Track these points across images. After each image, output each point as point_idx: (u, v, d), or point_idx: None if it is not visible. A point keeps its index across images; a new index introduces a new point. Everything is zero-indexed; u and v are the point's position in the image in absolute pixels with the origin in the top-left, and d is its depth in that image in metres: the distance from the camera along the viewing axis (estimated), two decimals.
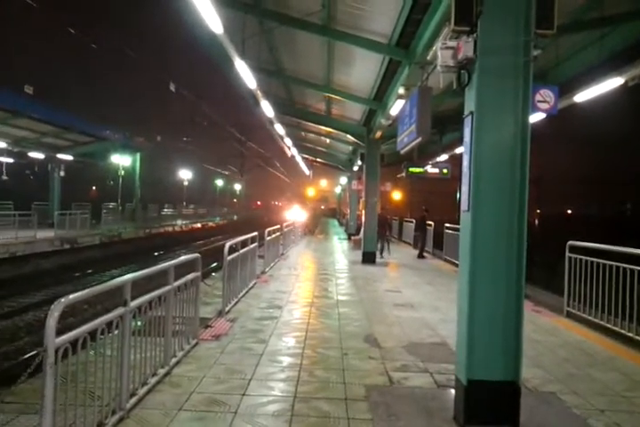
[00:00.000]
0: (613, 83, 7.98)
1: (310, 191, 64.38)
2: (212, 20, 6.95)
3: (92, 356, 3.33)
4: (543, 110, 6.22)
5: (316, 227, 34.75)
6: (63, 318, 2.86)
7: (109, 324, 3.45)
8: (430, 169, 13.90)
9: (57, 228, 20.56)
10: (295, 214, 41.70)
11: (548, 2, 3.75)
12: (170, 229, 33.70)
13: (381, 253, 15.76)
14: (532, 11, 3.69)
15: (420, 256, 16.17)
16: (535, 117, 7.46)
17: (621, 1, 7.08)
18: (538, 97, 6.13)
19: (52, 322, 2.72)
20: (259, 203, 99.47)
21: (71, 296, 2.97)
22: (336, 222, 45.28)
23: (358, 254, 15.07)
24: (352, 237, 21.20)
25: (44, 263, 17.30)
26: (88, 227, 23.32)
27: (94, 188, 53.33)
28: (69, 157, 26.86)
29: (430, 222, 17.39)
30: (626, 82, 7.92)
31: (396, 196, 41.63)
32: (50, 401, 2.71)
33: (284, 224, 13.73)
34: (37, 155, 25.63)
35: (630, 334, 5.95)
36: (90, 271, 16.59)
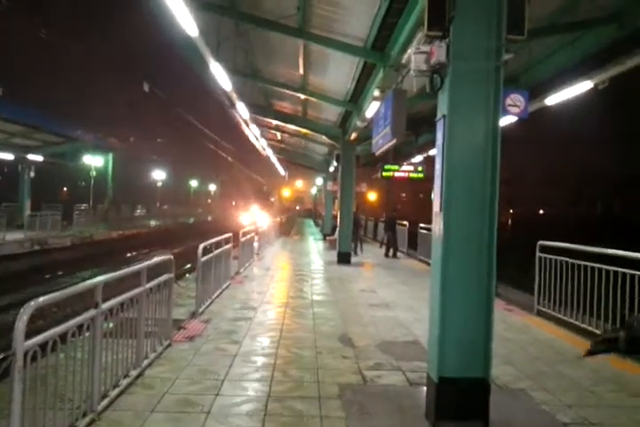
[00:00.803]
0: (584, 86, 8.19)
1: (286, 192, 64.28)
2: (188, 23, 6.91)
3: (62, 359, 3.28)
4: (514, 114, 6.36)
5: (291, 228, 34.71)
6: (32, 321, 2.82)
7: (80, 326, 3.42)
8: (403, 169, 14.02)
9: (27, 229, 20.14)
10: (251, 217, 34.23)
11: (518, 8, 3.83)
12: (143, 230, 33.24)
13: (355, 252, 16.33)
14: (504, 16, 3.76)
15: (394, 256, 16.31)
16: (506, 120, 7.61)
17: (594, 6, 7.25)
18: (508, 101, 6.26)
19: (21, 325, 2.69)
20: (233, 203, 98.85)
21: (41, 299, 2.94)
22: (312, 223, 45.30)
23: (333, 255, 15.12)
24: (327, 238, 21.24)
25: (13, 265, 16.91)
26: (59, 228, 22.90)
27: (65, 189, 52.42)
28: (40, 158, 26.33)
29: (405, 222, 17.54)
30: (596, 85, 8.13)
31: (372, 196, 41.87)
32: (18, 405, 2.67)
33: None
34: (7, 155, 25.08)
35: (598, 331, 6.09)
36: (61, 273, 16.28)
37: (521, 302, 8.41)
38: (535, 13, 5.69)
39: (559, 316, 6.97)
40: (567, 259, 6.79)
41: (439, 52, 3.79)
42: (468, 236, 3.83)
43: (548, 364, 5.33)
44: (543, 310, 7.43)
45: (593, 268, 6.20)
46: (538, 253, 7.54)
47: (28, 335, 2.77)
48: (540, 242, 7.54)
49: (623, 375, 4.95)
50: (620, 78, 7.99)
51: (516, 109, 6.51)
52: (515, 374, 4.98)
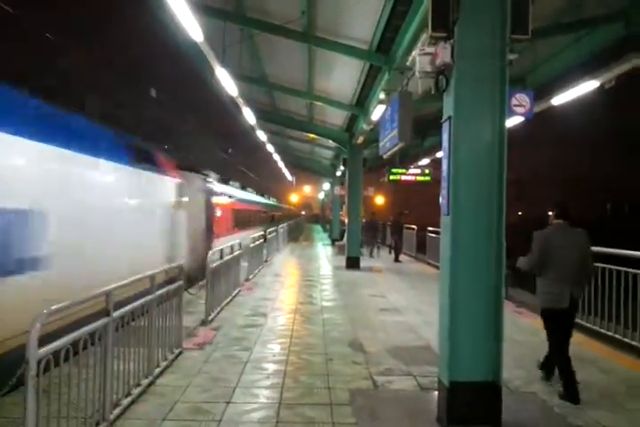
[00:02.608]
0: (590, 86, 8.13)
1: (293, 197, 64.56)
2: (193, 29, 6.94)
3: (74, 367, 3.29)
4: (519, 114, 6.35)
5: (300, 234, 34.70)
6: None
7: (92, 335, 3.43)
8: (410, 173, 13.99)
9: None
10: None
11: (522, 8, 3.83)
12: None
13: (371, 254, 17.29)
14: (508, 17, 3.78)
15: (396, 260, 16.26)
16: (512, 121, 7.58)
17: (599, 4, 7.23)
18: (514, 101, 6.25)
19: (33, 334, 2.70)
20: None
21: (53, 307, 2.95)
22: (319, 228, 45.27)
23: (342, 260, 15.07)
24: (336, 243, 21.20)
25: None
26: None
27: None
28: None
29: (413, 226, 17.48)
30: (602, 84, 8.07)
31: (380, 200, 41.75)
32: (32, 414, 2.68)
33: None
34: None
35: (609, 333, 6.04)
36: None
37: (531, 304, 8.33)
38: (540, 12, 5.67)
39: None
40: None
41: (444, 53, 3.79)
42: (477, 238, 3.81)
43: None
44: None
45: (603, 268, 6.13)
46: None
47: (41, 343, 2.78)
48: None
49: (637, 377, 4.90)
50: (629, 75, 7.87)
51: (521, 109, 6.49)
52: (526, 377, 4.94)
